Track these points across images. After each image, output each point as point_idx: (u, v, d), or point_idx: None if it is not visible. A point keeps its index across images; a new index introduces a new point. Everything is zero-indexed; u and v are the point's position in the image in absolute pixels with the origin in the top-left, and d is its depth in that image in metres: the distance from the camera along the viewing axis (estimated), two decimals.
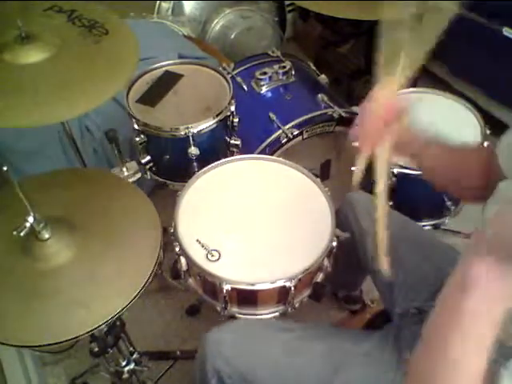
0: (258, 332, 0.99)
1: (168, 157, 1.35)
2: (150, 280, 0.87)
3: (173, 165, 1.37)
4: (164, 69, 1.45)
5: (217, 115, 1.28)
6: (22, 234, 0.82)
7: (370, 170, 0.79)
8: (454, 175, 0.92)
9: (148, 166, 1.38)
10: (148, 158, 1.36)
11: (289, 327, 1.00)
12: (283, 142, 1.42)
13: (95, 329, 0.81)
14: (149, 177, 1.41)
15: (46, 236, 0.86)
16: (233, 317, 1.09)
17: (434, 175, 0.95)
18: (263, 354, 0.95)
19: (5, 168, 0.78)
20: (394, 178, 1.24)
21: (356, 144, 0.77)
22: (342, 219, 1.16)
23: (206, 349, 0.96)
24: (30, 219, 0.82)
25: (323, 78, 1.66)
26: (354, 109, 1.57)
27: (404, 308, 1.02)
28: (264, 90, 1.55)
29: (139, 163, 1.35)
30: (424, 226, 1.40)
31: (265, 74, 1.54)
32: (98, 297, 0.84)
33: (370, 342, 0.97)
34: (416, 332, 0.95)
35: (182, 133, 1.25)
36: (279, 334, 0.98)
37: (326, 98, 1.51)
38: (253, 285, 0.99)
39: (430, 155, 0.92)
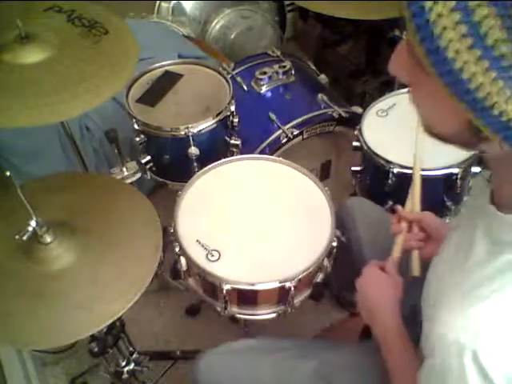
0: (246, 355, 0.98)
1: (168, 157, 1.35)
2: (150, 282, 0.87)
3: (173, 165, 1.36)
4: (164, 69, 1.45)
5: (217, 115, 1.28)
6: (24, 238, 0.81)
7: None
8: None
9: (148, 166, 1.37)
10: (148, 157, 1.36)
11: (278, 346, 0.99)
12: (283, 141, 1.42)
13: (97, 331, 0.81)
14: (149, 177, 1.40)
15: (49, 240, 0.86)
16: (233, 317, 1.09)
17: None
18: (253, 378, 0.95)
19: (8, 173, 0.78)
20: (394, 178, 1.24)
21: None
22: (338, 224, 1.14)
23: (196, 374, 0.96)
24: (33, 223, 0.82)
25: (323, 78, 1.66)
26: (354, 109, 1.57)
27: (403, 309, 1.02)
28: (264, 89, 1.55)
29: (139, 163, 1.35)
30: None
31: (265, 73, 1.54)
32: (99, 299, 0.84)
33: (358, 352, 0.98)
34: (412, 334, 0.96)
35: (182, 133, 1.25)
36: (268, 356, 0.97)
37: (325, 98, 1.51)
38: (253, 285, 0.99)
39: None
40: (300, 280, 1.00)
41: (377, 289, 0.89)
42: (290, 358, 0.96)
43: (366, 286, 0.90)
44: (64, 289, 0.85)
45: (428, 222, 0.96)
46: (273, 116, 1.47)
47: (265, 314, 1.07)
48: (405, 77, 0.54)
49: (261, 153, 1.41)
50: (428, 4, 0.43)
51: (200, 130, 1.27)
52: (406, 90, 1.44)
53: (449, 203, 1.31)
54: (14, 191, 0.78)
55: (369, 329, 0.94)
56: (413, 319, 0.96)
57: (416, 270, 0.95)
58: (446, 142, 0.56)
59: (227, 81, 1.39)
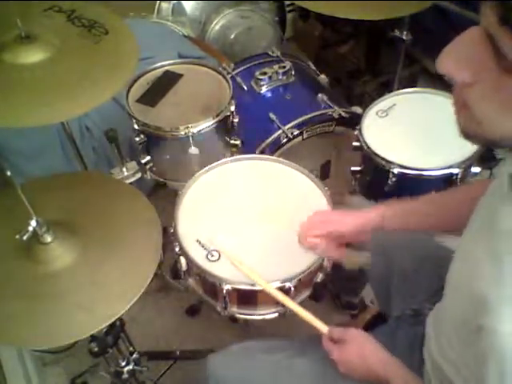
0: (251, 356, 0.99)
1: (168, 157, 1.35)
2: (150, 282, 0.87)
3: (173, 165, 1.36)
4: (164, 69, 1.45)
5: (217, 115, 1.28)
6: (24, 237, 0.81)
7: None
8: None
9: (148, 166, 1.37)
10: (148, 157, 1.36)
11: (276, 347, 0.99)
12: (283, 142, 1.42)
13: (97, 331, 0.81)
14: (149, 177, 1.40)
15: (49, 239, 0.86)
16: (233, 317, 1.08)
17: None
18: (256, 378, 0.96)
19: (8, 173, 0.78)
20: (394, 178, 1.24)
21: None
22: None
23: (208, 371, 0.98)
24: (33, 223, 0.82)
25: (323, 78, 1.66)
26: (354, 109, 1.57)
27: (401, 310, 1.02)
28: (264, 89, 1.55)
29: (139, 163, 1.35)
30: None
31: (265, 73, 1.54)
32: (99, 299, 0.84)
33: None
34: (410, 333, 0.95)
35: (182, 132, 1.25)
36: (266, 357, 0.97)
37: (325, 98, 1.51)
38: (253, 285, 0.99)
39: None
40: (300, 280, 1.00)
41: (360, 355, 0.85)
42: (288, 358, 0.96)
43: (349, 359, 0.86)
44: (64, 289, 0.85)
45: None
46: (273, 116, 1.47)
47: (265, 314, 1.07)
48: (465, 74, 0.52)
49: (261, 153, 1.41)
50: None
51: (200, 130, 1.27)
52: (405, 90, 1.44)
53: None
54: (15, 191, 0.78)
55: (371, 324, 0.94)
56: (415, 320, 0.96)
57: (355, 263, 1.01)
58: (494, 147, 0.56)
59: (227, 81, 1.39)
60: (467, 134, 0.56)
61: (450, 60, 0.53)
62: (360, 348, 0.85)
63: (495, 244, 0.60)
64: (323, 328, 0.91)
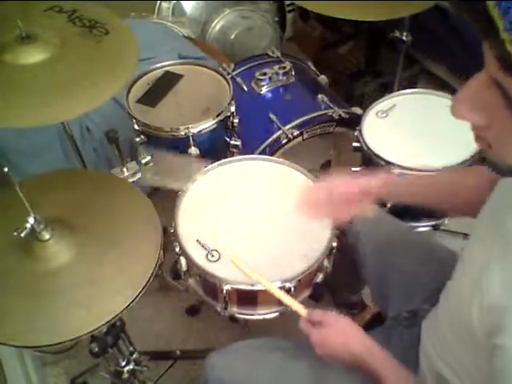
0: (247, 355, 0.99)
1: None
2: (150, 281, 0.87)
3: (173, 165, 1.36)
4: (164, 69, 1.45)
5: (217, 116, 1.28)
6: (22, 234, 0.81)
7: None
8: (445, 199, 0.94)
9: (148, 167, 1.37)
10: (148, 158, 1.36)
11: (277, 346, 0.99)
12: (283, 142, 1.42)
13: (95, 329, 0.81)
14: None
15: (47, 237, 0.86)
16: (233, 317, 1.09)
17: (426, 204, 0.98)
18: (252, 377, 0.95)
19: (6, 169, 0.78)
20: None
21: None
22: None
23: (207, 371, 0.97)
24: (31, 220, 0.82)
25: (323, 79, 1.66)
26: (354, 109, 1.57)
27: (397, 311, 1.02)
28: (264, 90, 1.55)
29: (139, 163, 1.34)
30: (424, 226, 1.40)
31: (265, 74, 1.54)
32: (98, 297, 0.84)
33: None
34: (405, 334, 0.95)
35: (182, 133, 1.25)
36: (267, 355, 0.97)
37: (326, 99, 1.51)
38: (253, 285, 0.99)
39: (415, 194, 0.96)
40: (300, 280, 1.00)
41: (340, 337, 0.84)
42: (287, 358, 0.97)
43: (328, 342, 0.84)
44: (62, 286, 0.85)
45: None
46: (273, 117, 1.47)
47: (265, 314, 1.08)
48: (480, 118, 0.52)
49: (261, 153, 1.41)
50: None
51: (200, 131, 1.27)
52: (405, 91, 1.44)
53: None
54: (12, 188, 0.78)
55: (370, 324, 0.94)
56: (411, 322, 0.97)
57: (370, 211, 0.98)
58: None
59: (227, 81, 1.39)
60: (496, 167, 0.57)
61: (463, 106, 0.53)
62: (340, 330, 0.84)
63: (509, 254, 0.59)
64: (302, 311, 0.89)
